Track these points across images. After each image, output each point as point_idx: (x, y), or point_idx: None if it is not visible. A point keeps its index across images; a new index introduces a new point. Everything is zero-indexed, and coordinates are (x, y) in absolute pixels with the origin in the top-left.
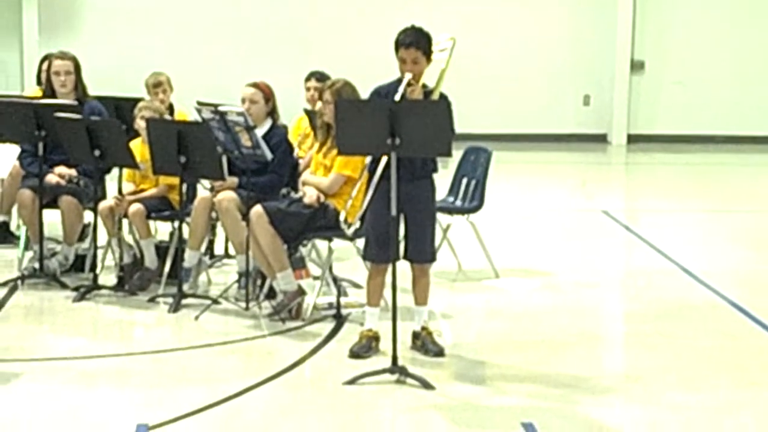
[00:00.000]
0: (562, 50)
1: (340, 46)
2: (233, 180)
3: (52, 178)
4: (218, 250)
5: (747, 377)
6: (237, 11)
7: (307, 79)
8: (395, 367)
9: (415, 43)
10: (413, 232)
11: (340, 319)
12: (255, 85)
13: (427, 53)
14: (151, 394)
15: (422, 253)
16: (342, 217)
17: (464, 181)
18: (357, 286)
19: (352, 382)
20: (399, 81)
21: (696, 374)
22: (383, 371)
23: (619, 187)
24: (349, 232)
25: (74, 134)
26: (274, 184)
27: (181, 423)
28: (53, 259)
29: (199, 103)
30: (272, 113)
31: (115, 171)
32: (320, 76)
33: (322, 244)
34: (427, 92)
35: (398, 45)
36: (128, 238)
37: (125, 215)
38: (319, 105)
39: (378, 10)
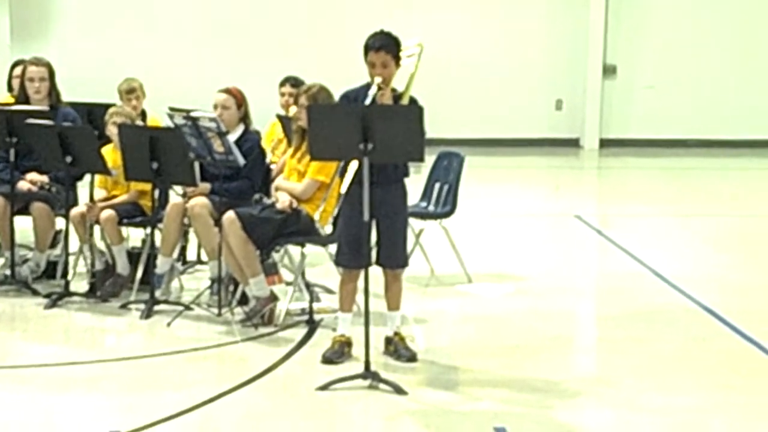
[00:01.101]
0: (534, 55)
1: (314, 52)
2: (205, 186)
3: (23, 185)
4: (191, 256)
5: (718, 380)
6: (209, 17)
7: (282, 85)
8: (368, 373)
9: (384, 46)
10: (385, 237)
11: (312, 325)
12: (227, 91)
13: (396, 57)
14: (124, 401)
15: (394, 258)
16: (317, 217)
17: (437, 185)
18: (330, 291)
19: (324, 387)
20: (368, 85)
21: (668, 377)
22: (356, 377)
23: (592, 192)
24: (324, 232)
25: (46, 140)
26: (246, 190)
27: (154, 429)
28: (25, 266)
29: (171, 109)
30: (244, 119)
31: (87, 177)
32: (295, 82)
33: (294, 250)
34: (396, 96)
35: (367, 49)
36: (100, 245)
37: (97, 221)
38: (293, 110)
39: (351, 16)
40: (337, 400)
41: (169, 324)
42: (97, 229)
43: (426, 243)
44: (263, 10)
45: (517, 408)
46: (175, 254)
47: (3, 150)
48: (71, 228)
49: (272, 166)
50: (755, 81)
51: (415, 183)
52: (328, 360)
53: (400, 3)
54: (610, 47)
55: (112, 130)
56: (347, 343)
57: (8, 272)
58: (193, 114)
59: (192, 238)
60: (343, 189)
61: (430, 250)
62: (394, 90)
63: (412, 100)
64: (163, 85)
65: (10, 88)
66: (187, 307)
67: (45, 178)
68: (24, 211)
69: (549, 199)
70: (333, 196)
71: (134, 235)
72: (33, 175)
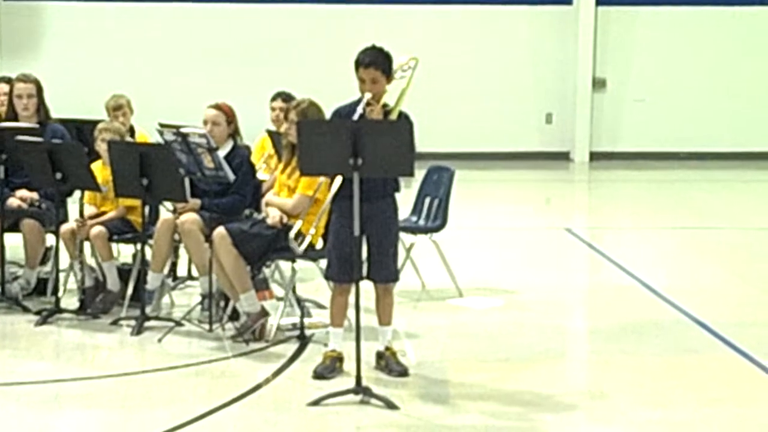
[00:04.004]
0: (524, 69)
1: (304, 67)
2: (196, 202)
3: (13, 202)
4: (181, 271)
5: (709, 393)
6: (197, 33)
7: (273, 99)
8: (359, 388)
9: (373, 62)
10: (375, 252)
11: (303, 340)
12: (217, 107)
13: (387, 73)
14: (116, 418)
15: (385, 273)
16: (292, 235)
17: (427, 200)
18: (321, 306)
19: (316, 403)
20: (359, 101)
21: (659, 391)
22: (347, 392)
23: (582, 205)
24: (300, 250)
25: (36, 157)
26: (236, 206)
27: None
28: (15, 283)
29: (161, 125)
30: (234, 134)
31: (77, 193)
32: (286, 97)
33: (285, 265)
34: (387, 111)
35: (357, 65)
36: (90, 261)
37: (87, 238)
38: (284, 126)
39: (340, 32)
40: (329, 415)
41: (160, 340)
42: (87, 245)
43: (416, 257)
44: (252, 26)
45: (509, 422)
46: (166, 270)
47: None
48: (61, 245)
49: (266, 176)
50: (745, 93)
51: (405, 197)
52: (319, 375)
53: (391, 18)
54: (599, 61)
55: (101, 146)
56: (338, 358)
57: None
58: (182, 130)
59: (182, 253)
60: (326, 205)
61: (420, 265)
62: (385, 105)
63: (404, 116)
64: (152, 100)
65: None
66: (178, 323)
67: (35, 195)
68: (14, 228)
69: (539, 212)
70: (315, 212)
71: (125, 252)
72: (23, 192)
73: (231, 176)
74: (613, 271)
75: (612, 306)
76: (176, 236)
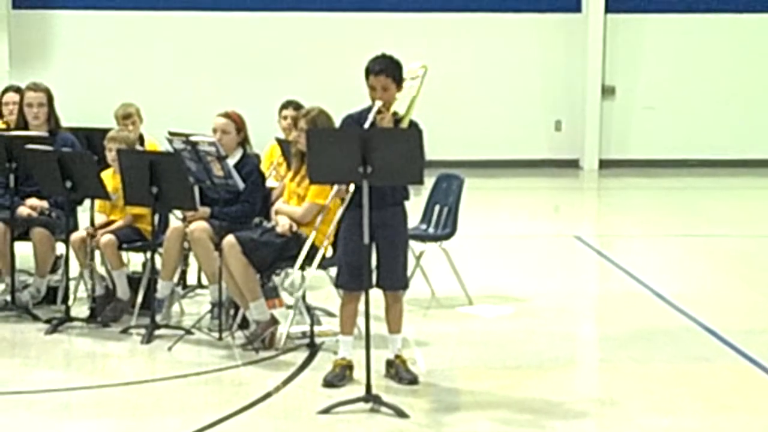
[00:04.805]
0: (533, 76)
1: (313, 75)
2: (205, 210)
3: (23, 210)
4: (191, 280)
5: (719, 401)
6: (207, 42)
7: (285, 107)
8: (369, 396)
9: (384, 70)
10: (385, 260)
11: (313, 348)
12: (227, 116)
13: (397, 80)
14: (126, 426)
15: (394, 280)
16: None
17: (437, 208)
18: (330, 314)
19: (326, 411)
20: (369, 109)
21: (669, 398)
22: (357, 400)
23: (592, 212)
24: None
25: (46, 166)
26: (246, 214)
27: None
28: (25, 292)
29: (171, 134)
30: (243, 143)
31: (87, 202)
32: (297, 105)
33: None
34: (398, 120)
35: (368, 72)
36: (100, 270)
37: (97, 246)
38: (294, 134)
39: (348, 40)
40: (339, 423)
41: (170, 348)
42: (97, 254)
43: (426, 265)
44: (261, 35)
45: (519, 429)
46: (176, 278)
47: (3, 176)
48: (71, 253)
49: (275, 184)
50: (754, 101)
51: (414, 205)
52: (329, 383)
53: (401, 26)
54: (609, 68)
55: (111, 155)
56: (348, 367)
57: (9, 298)
58: (192, 138)
59: (192, 262)
60: (340, 212)
61: (430, 273)
62: (395, 113)
63: (413, 123)
64: (162, 109)
65: (0, 115)
66: (188, 332)
67: (45, 204)
68: (24, 236)
69: (549, 219)
70: (330, 219)
71: (135, 260)
72: (33, 201)
73: (240, 184)
74: (622, 279)
75: (621, 313)
76: (186, 244)
